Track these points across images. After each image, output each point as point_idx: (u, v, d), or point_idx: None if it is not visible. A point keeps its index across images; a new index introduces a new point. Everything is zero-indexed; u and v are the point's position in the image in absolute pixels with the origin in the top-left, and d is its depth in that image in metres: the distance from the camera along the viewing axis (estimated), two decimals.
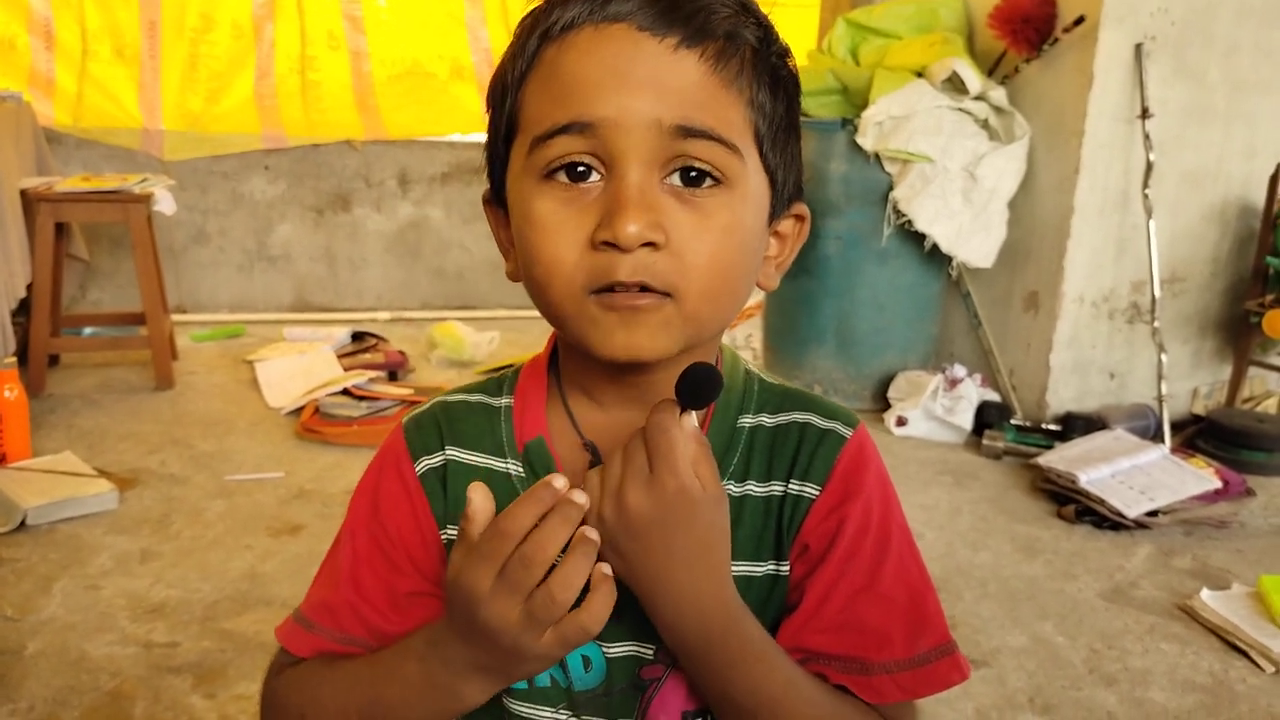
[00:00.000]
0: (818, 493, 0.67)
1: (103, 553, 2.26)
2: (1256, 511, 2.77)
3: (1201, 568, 2.45)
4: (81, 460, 2.67)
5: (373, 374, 3.46)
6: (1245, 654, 2.06)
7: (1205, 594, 2.23)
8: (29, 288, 3.24)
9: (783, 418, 0.70)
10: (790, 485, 0.68)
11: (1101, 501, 2.63)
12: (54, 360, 3.56)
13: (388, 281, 4.90)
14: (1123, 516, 2.59)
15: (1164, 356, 3.12)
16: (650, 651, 0.67)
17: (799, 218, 0.72)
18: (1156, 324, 3.14)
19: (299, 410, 3.21)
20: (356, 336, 4.12)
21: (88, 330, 3.90)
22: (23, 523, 2.33)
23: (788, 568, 0.68)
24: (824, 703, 0.64)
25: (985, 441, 3.14)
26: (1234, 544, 2.59)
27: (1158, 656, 2.06)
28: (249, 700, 1.73)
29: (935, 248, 3.31)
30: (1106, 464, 2.75)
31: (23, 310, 3.27)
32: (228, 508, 2.53)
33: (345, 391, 3.24)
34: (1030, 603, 2.24)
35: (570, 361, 0.71)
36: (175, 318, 3.99)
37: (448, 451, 0.71)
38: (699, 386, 0.60)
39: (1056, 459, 2.84)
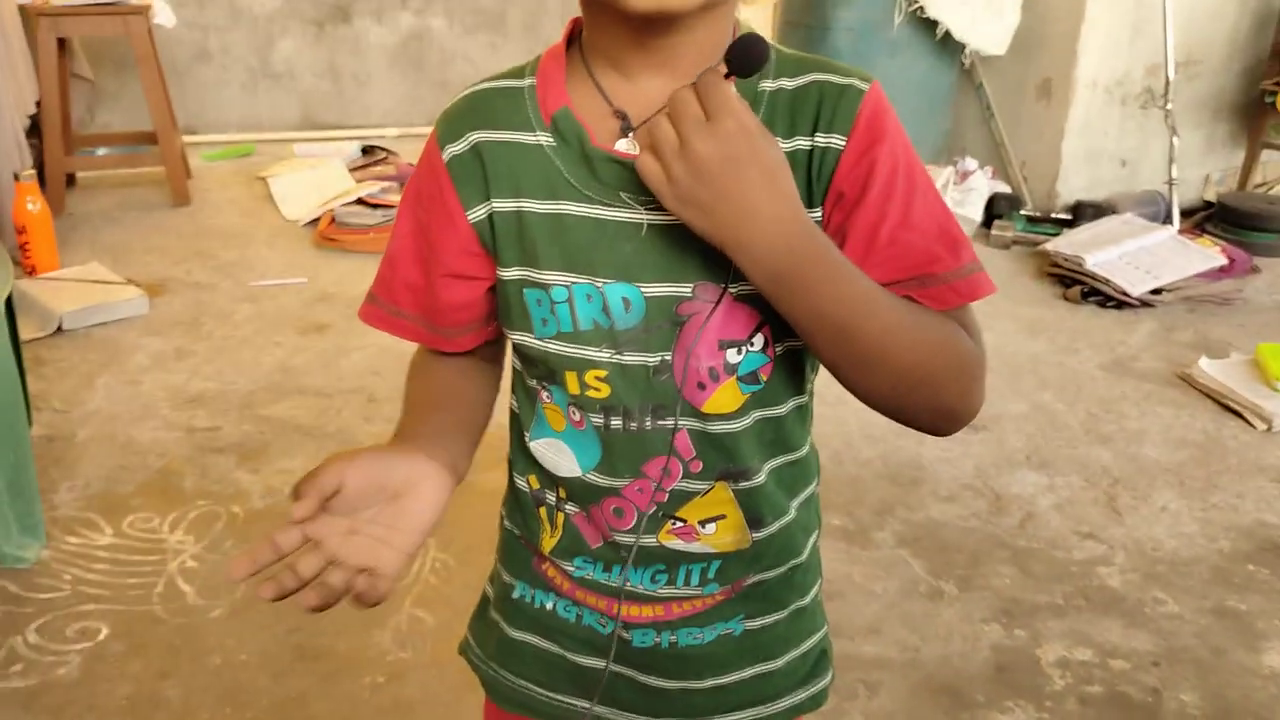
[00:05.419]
0: (844, 142, 0.70)
1: (139, 352, 2.35)
2: (1261, 289, 2.82)
3: (1202, 340, 2.51)
4: (109, 270, 2.74)
5: (385, 184, 3.48)
6: (1239, 414, 2.15)
7: (1203, 362, 2.30)
8: (38, 105, 3.24)
9: (802, 79, 0.72)
10: (816, 138, 0.70)
11: (1107, 281, 2.67)
12: (70, 181, 3.59)
13: (393, 96, 4.85)
14: (1127, 295, 2.63)
15: (1176, 140, 3.09)
16: (688, 289, 0.72)
17: None
18: (1169, 106, 3.10)
19: (315, 221, 3.25)
20: (366, 150, 4.12)
21: (101, 151, 3.91)
22: (59, 328, 2.42)
23: (820, 214, 0.71)
24: (902, 305, 0.68)
25: (994, 232, 3.17)
26: (1236, 319, 2.64)
27: (1153, 418, 2.14)
28: (290, 474, 1.84)
29: (947, 36, 3.24)
30: (1114, 246, 2.78)
31: (35, 133, 3.28)
32: (255, 311, 2.61)
33: (360, 201, 3.27)
34: (1031, 375, 2.32)
35: (595, 33, 0.73)
36: (184, 138, 3.99)
37: (476, 135, 0.75)
38: (748, 54, 0.64)
39: (1064, 244, 2.87)
